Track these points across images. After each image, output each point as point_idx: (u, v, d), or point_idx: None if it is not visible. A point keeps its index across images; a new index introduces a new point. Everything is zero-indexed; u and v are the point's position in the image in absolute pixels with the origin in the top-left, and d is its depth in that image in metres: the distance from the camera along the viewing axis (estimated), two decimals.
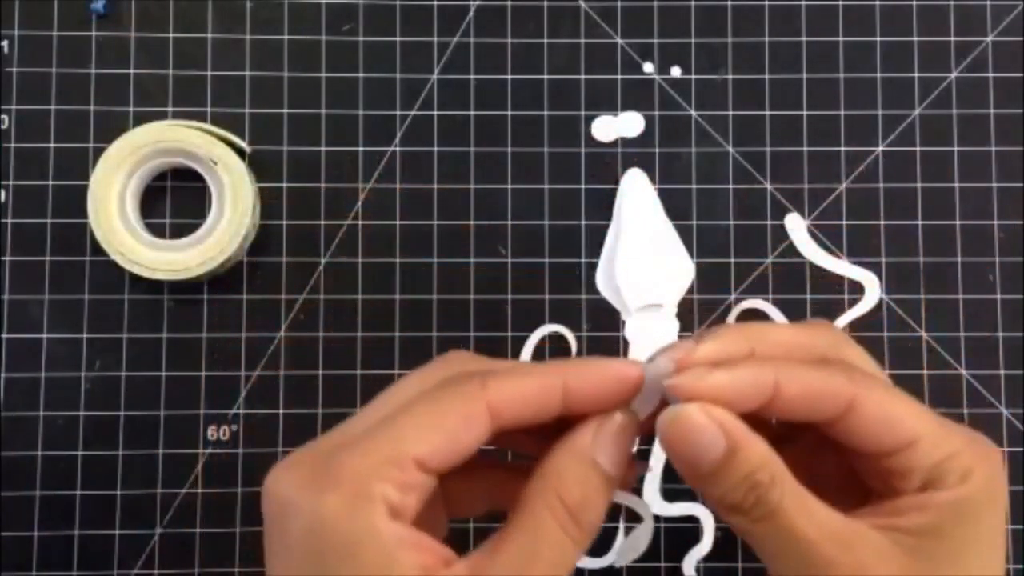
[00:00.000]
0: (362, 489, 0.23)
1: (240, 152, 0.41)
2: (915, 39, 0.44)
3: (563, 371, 0.25)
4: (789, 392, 0.25)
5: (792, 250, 0.43)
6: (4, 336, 0.41)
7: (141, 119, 0.42)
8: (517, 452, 0.30)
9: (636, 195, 0.42)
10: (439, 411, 0.25)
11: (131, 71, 0.43)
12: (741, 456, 0.24)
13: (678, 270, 0.42)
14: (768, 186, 0.43)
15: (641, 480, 0.41)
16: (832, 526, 0.25)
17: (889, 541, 0.25)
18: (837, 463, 0.28)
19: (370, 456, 0.24)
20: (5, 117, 0.42)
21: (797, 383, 0.25)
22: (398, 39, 0.43)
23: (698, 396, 0.24)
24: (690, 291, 0.42)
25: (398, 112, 0.43)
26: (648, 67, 0.43)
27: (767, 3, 0.44)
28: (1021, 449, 0.42)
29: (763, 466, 0.25)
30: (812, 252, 0.43)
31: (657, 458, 0.41)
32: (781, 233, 0.43)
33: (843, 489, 0.27)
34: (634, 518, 0.41)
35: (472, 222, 0.43)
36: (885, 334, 0.42)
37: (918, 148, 0.43)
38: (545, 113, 0.43)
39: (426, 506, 0.25)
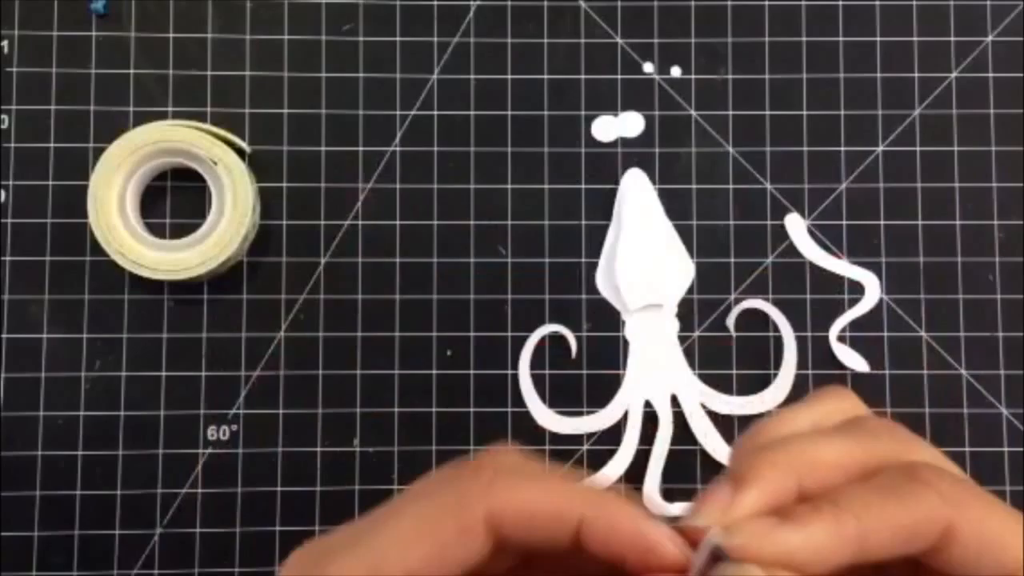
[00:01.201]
0: None
1: (240, 152, 0.41)
2: (915, 39, 0.44)
3: (583, 498, 0.21)
4: (878, 539, 0.21)
5: (792, 250, 0.43)
6: (4, 336, 0.41)
7: (141, 119, 0.42)
8: None
9: (636, 195, 0.42)
10: (429, 526, 0.21)
11: (131, 71, 0.43)
12: None
13: (678, 270, 0.42)
14: (768, 186, 0.43)
15: (641, 480, 0.41)
16: None
17: None
18: None
19: (349, 570, 0.21)
20: (5, 117, 0.42)
21: (885, 526, 0.20)
22: (398, 39, 0.43)
23: (766, 562, 0.20)
24: (690, 291, 0.42)
25: (398, 112, 0.43)
26: (648, 67, 0.43)
27: (767, 3, 0.44)
28: (1021, 449, 0.42)
29: None
30: (812, 252, 0.43)
31: (657, 458, 0.41)
32: (781, 233, 0.43)
33: None
34: None
35: (472, 222, 0.43)
36: (885, 334, 0.42)
37: (918, 148, 0.43)
38: (545, 113, 0.43)
39: None
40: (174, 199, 0.42)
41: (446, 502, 0.21)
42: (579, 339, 0.42)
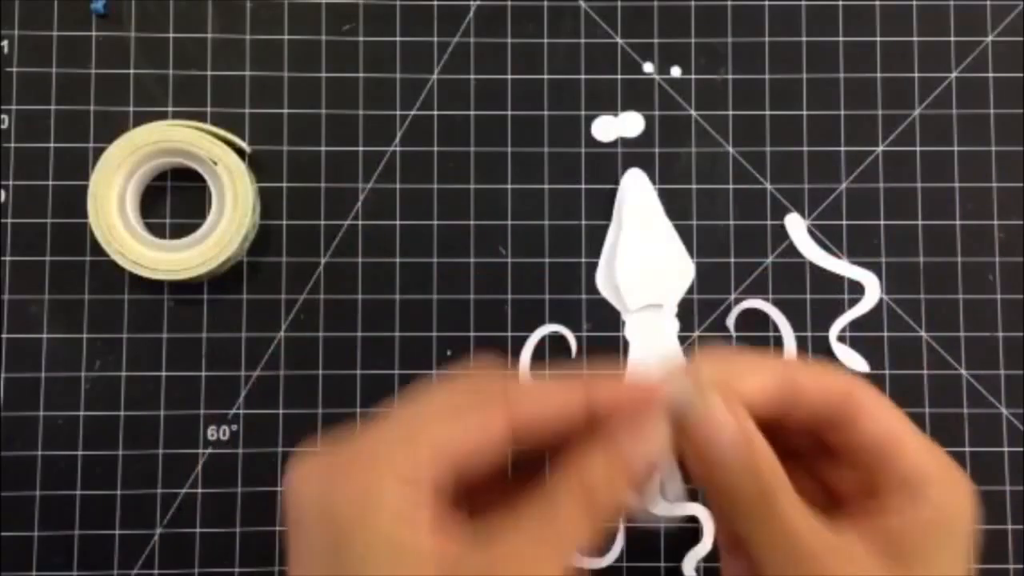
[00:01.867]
0: (375, 464, 0.24)
1: (240, 152, 0.41)
2: (915, 39, 0.44)
3: (586, 384, 0.26)
4: (810, 389, 0.27)
5: (792, 250, 0.43)
6: (4, 336, 0.41)
7: (141, 119, 0.42)
8: None
9: (636, 195, 0.42)
10: (456, 418, 0.25)
11: (131, 71, 0.43)
12: (755, 454, 0.26)
13: (678, 270, 0.42)
14: (768, 186, 0.43)
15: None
16: (818, 526, 0.26)
17: (867, 543, 0.26)
18: (802, 475, 0.30)
19: (380, 456, 0.24)
20: (5, 117, 0.42)
21: (815, 380, 0.27)
22: (398, 39, 0.43)
23: (729, 394, 0.26)
24: (690, 291, 0.42)
25: (398, 112, 0.43)
26: (648, 67, 0.43)
27: (767, 3, 0.44)
28: (1021, 449, 0.42)
29: (770, 463, 0.26)
30: (812, 252, 0.43)
31: None
32: (781, 233, 0.43)
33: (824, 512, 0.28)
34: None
35: (472, 222, 0.43)
36: (885, 334, 0.42)
37: (918, 148, 0.43)
38: (545, 113, 0.43)
39: (443, 491, 0.25)
40: (174, 199, 0.42)
41: (468, 403, 0.25)
42: (579, 339, 0.42)
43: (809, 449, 0.30)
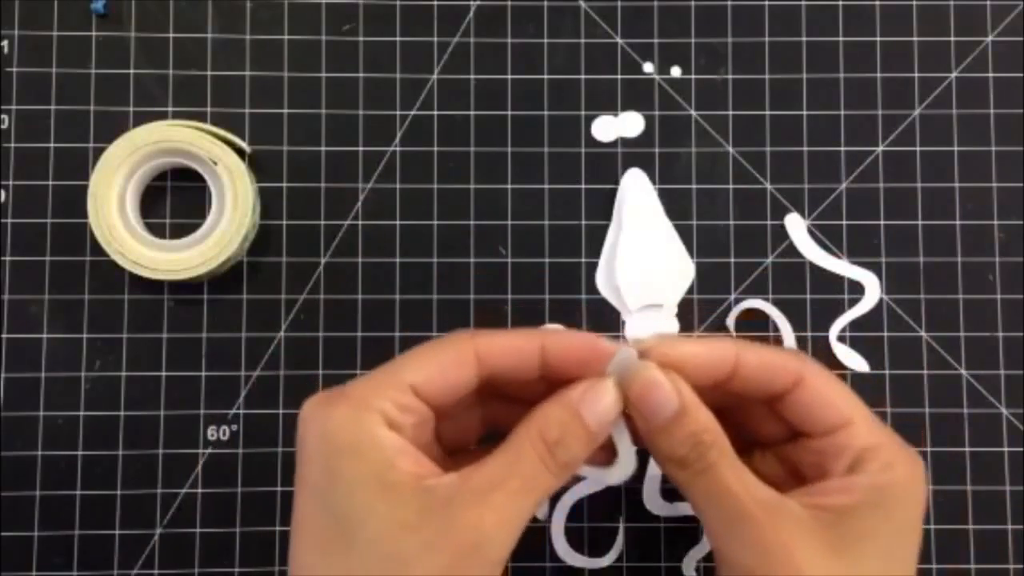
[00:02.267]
0: (364, 403, 0.28)
1: (240, 152, 0.41)
2: (915, 39, 0.44)
3: (543, 333, 0.30)
4: (748, 364, 0.30)
5: (792, 250, 0.43)
6: (4, 336, 0.41)
7: (141, 119, 0.42)
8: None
9: (636, 195, 0.42)
10: (433, 352, 0.29)
11: (131, 71, 0.43)
12: (690, 416, 0.29)
13: (678, 270, 0.42)
14: (768, 186, 0.43)
15: (641, 480, 0.41)
16: (760, 490, 0.28)
17: (809, 514, 0.28)
18: (773, 462, 0.32)
19: (372, 380, 0.29)
20: (5, 117, 0.42)
21: (755, 356, 0.30)
22: (398, 39, 0.43)
23: (667, 362, 0.29)
24: (690, 291, 0.42)
25: (398, 112, 0.43)
26: (648, 67, 0.43)
27: (767, 3, 0.44)
28: (1021, 449, 0.42)
29: (707, 428, 0.29)
30: (812, 252, 0.43)
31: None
32: (781, 233, 0.43)
33: (776, 486, 0.30)
34: (639, 517, 0.41)
35: (472, 222, 0.43)
36: (885, 334, 0.42)
37: (918, 148, 0.43)
38: (545, 113, 0.43)
39: (423, 435, 0.30)
40: (174, 199, 0.42)
41: (444, 345, 0.29)
42: None
43: (780, 438, 0.32)
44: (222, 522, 0.41)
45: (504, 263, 0.42)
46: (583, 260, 0.42)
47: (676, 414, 0.29)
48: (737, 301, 0.42)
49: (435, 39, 0.43)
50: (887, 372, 0.42)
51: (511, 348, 0.29)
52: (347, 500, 0.27)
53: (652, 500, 0.41)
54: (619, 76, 0.43)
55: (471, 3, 0.43)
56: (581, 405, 0.28)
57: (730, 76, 0.43)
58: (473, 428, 0.33)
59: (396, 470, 0.27)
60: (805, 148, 0.43)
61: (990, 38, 0.44)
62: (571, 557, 0.41)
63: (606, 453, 0.31)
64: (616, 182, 0.43)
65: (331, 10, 0.43)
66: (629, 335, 0.42)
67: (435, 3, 0.43)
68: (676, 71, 0.43)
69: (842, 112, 0.43)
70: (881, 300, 0.42)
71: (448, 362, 0.29)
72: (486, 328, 0.31)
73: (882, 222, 0.43)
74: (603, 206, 0.43)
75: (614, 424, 0.30)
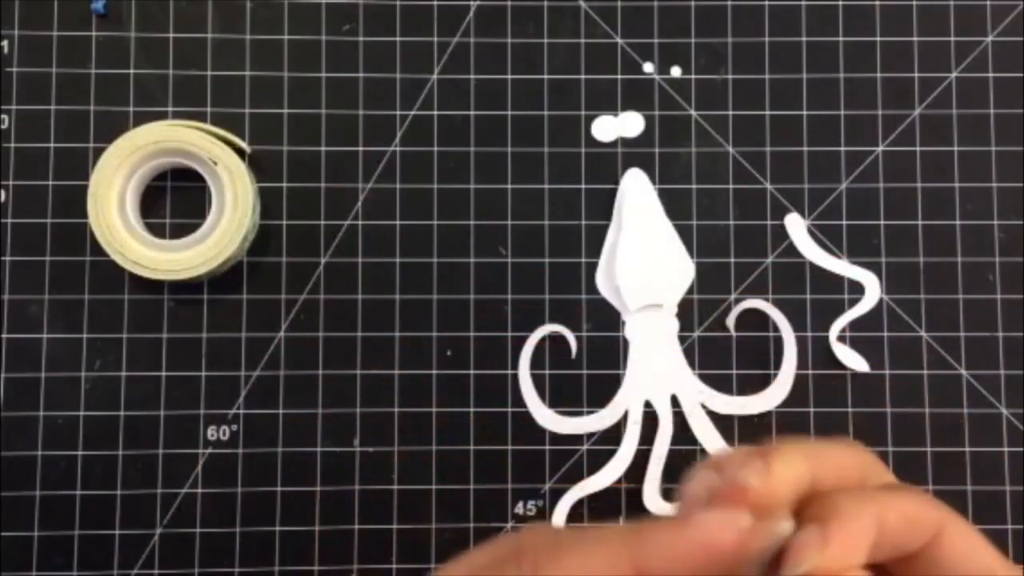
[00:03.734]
0: None
1: (240, 152, 0.41)
2: (915, 39, 0.44)
3: (630, 542, 0.21)
4: (892, 523, 0.23)
5: (792, 250, 0.43)
6: (4, 336, 0.41)
7: (141, 119, 0.42)
8: None
9: (636, 195, 0.42)
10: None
11: (131, 71, 0.43)
12: None
13: (678, 270, 0.42)
14: (768, 186, 0.43)
15: (641, 480, 0.41)
16: None
17: None
18: None
19: None
20: (5, 117, 0.42)
21: (896, 511, 0.23)
22: (398, 39, 0.43)
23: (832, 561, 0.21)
24: (690, 291, 0.42)
25: (398, 112, 0.43)
26: (648, 67, 0.43)
27: (767, 3, 0.44)
28: (1021, 449, 0.42)
29: None
30: (812, 252, 0.43)
31: (657, 458, 0.41)
32: (781, 233, 0.43)
33: None
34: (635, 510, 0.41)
35: (472, 222, 0.43)
36: (885, 334, 0.42)
37: (918, 148, 0.43)
38: (545, 113, 0.43)
39: None
40: (174, 199, 0.42)
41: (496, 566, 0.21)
42: (579, 339, 0.42)
43: None
44: (222, 522, 0.41)
45: (504, 263, 0.42)
46: (583, 260, 0.42)
47: None
48: (737, 301, 0.42)
49: (435, 39, 0.43)
50: (887, 372, 0.42)
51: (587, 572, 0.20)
52: None
53: (652, 500, 0.41)
54: (619, 76, 0.43)
55: (471, 3, 0.43)
56: None
57: (730, 76, 0.43)
58: None
59: None
60: (805, 148, 0.43)
61: (990, 38, 0.44)
62: None
63: None
64: (616, 182, 0.43)
65: (331, 10, 0.43)
66: (630, 340, 0.42)
67: (435, 3, 0.43)
68: (676, 71, 0.43)
69: (842, 112, 0.43)
70: (881, 300, 0.42)
71: None
72: (539, 539, 0.22)
73: (882, 222, 0.43)
74: (603, 206, 0.43)
75: None
